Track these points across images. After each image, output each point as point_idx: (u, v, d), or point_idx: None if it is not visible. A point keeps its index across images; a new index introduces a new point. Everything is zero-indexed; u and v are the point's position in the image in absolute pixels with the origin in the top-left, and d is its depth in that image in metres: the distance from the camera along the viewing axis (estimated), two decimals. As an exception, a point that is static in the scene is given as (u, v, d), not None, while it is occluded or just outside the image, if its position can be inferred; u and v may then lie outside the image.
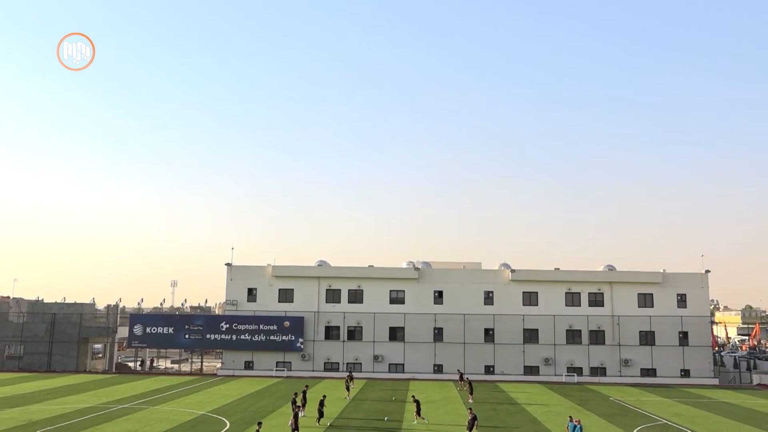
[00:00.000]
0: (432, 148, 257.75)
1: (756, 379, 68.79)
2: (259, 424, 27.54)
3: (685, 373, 67.65)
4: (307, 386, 43.97)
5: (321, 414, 37.07)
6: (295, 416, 32.24)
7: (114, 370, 72.27)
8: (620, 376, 67.18)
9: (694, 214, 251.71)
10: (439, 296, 70.17)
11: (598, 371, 67.79)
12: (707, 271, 70.21)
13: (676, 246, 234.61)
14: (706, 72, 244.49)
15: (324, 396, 39.63)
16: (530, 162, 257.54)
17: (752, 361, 77.11)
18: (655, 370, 67.87)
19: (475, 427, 31.70)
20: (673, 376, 67.04)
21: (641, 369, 67.91)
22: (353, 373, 59.30)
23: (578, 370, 67.53)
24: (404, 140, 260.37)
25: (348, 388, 49.62)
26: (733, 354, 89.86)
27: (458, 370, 62.48)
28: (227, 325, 69.04)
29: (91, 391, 51.91)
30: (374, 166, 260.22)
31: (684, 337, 68.53)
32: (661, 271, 70.50)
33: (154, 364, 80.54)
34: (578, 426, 29.45)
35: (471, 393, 49.62)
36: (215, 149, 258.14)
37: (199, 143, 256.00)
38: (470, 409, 34.26)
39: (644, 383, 64.93)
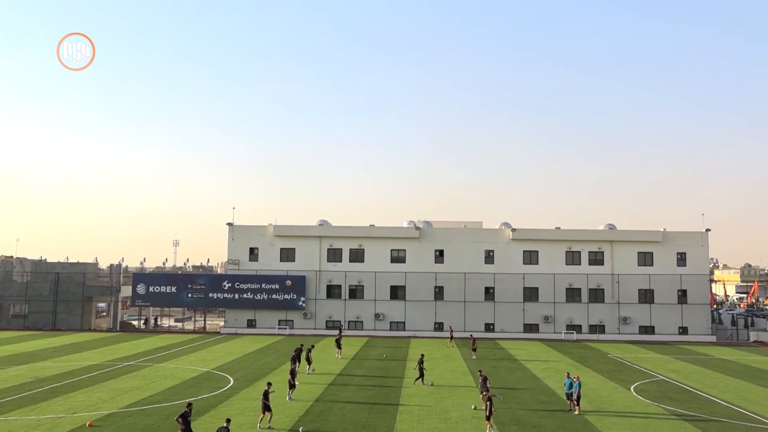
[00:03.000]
0: (432, 107, 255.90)
1: (753, 336, 69.59)
2: (269, 384, 27.67)
3: (683, 330, 68.36)
4: (312, 346, 44.32)
5: (422, 373, 37.02)
6: (292, 372, 32.54)
7: (118, 329, 73.11)
8: (619, 333, 67.93)
9: (695, 173, 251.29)
10: (440, 255, 70.49)
11: (597, 329, 68.53)
12: (707, 230, 70.36)
13: (676, 205, 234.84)
14: (707, 29, 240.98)
15: (422, 354, 40.39)
16: (531, 121, 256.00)
17: (750, 318, 77.87)
18: (653, 327, 68.58)
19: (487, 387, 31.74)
20: (671, 334, 67.77)
21: (640, 326, 68.62)
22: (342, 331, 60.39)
23: (577, 328, 68.26)
24: (405, 99, 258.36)
25: (339, 345, 49.71)
26: (731, 312, 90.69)
27: (449, 328, 63.48)
28: (229, 284, 69.57)
29: (96, 349, 52.58)
30: (375, 125, 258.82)
31: (683, 295, 69.05)
32: (662, 229, 70.64)
33: (159, 323, 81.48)
34: (577, 383, 29.83)
35: (474, 350, 50.17)
36: (216, 109, 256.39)
37: (200, 103, 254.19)
38: (480, 370, 34.41)
39: (642, 340, 65.70)
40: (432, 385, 36.19)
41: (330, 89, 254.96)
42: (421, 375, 37.06)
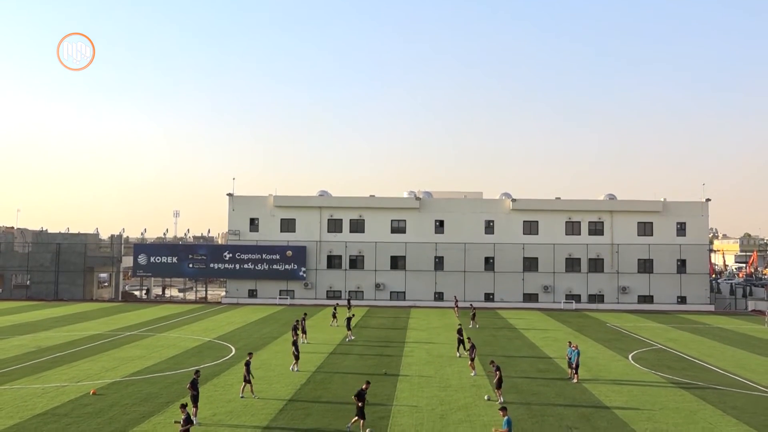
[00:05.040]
0: (433, 78, 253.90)
1: (751, 305, 70.00)
2: (250, 354, 27.76)
3: (682, 299, 68.74)
4: (305, 314, 44.67)
5: (461, 342, 36.34)
6: (294, 343, 32.67)
7: (120, 299, 73.53)
8: (618, 303, 68.32)
9: (696, 144, 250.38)
10: (440, 225, 70.58)
11: (596, 298, 68.92)
12: (707, 200, 70.33)
13: (677, 175, 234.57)
14: (707, 2, 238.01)
15: (460, 324, 40.48)
16: (531, 92, 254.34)
17: (748, 288, 78.26)
18: (652, 297, 68.95)
19: (475, 356, 32.01)
20: (669, 303, 68.16)
21: (639, 296, 68.99)
22: (338, 302, 60.49)
23: (576, 298, 68.63)
24: (405, 71, 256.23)
25: (335, 316, 50.10)
26: (730, 281, 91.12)
27: (454, 297, 63.92)
28: (230, 255, 69.78)
29: (98, 318, 52.95)
30: (375, 96, 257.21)
31: (682, 265, 69.29)
32: (662, 200, 70.64)
33: (166, 294, 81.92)
34: (576, 351, 30.13)
35: (473, 318, 50.37)
36: (216, 81, 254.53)
37: (200, 75, 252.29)
38: (469, 338, 34.76)
39: (641, 310, 66.09)
40: (460, 356, 36.07)
41: (328, 60, 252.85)
42: (461, 343, 36.48)
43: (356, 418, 20.94)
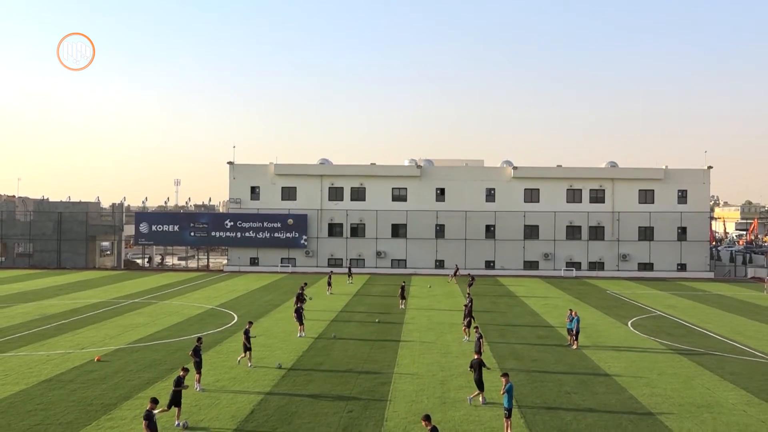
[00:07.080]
0: (434, 45, 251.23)
1: (750, 272, 70.30)
2: (249, 323, 27.84)
3: (682, 267, 68.99)
4: (305, 283, 44.89)
5: (469, 320, 36.23)
6: (297, 311, 32.94)
7: (122, 267, 73.86)
8: (618, 270, 68.59)
9: (698, 111, 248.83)
10: (441, 193, 70.53)
11: (597, 266, 69.17)
12: (709, 168, 70.11)
13: (679, 142, 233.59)
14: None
15: (469, 294, 40.50)
16: (532, 59, 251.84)
17: (748, 255, 78.51)
18: (652, 264, 69.19)
19: (472, 314, 32.65)
20: (669, 270, 68.43)
21: (639, 263, 69.23)
22: (334, 271, 60.74)
23: (577, 265, 68.88)
24: (407, 38, 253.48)
25: (330, 284, 50.57)
26: (730, 248, 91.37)
27: (455, 265, 64.32)
28: (232, 223, 69.93)
29: (101, 286, 53.27)
30: (376, 64, 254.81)
31: (682, 233, 69.40)
32: (663, 167, 70.41)
33: (165, 261, 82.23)
34: (575, 318, 30.34)
35: (470, 285, 50.32)
36: (216, 49, 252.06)
37: (200, 43, 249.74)
38: (468, 293, 35.01)
39: (641, 277, 66.42)
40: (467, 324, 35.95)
41: (328, 28, 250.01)
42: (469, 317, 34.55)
43: (477, 392, 21.01)
